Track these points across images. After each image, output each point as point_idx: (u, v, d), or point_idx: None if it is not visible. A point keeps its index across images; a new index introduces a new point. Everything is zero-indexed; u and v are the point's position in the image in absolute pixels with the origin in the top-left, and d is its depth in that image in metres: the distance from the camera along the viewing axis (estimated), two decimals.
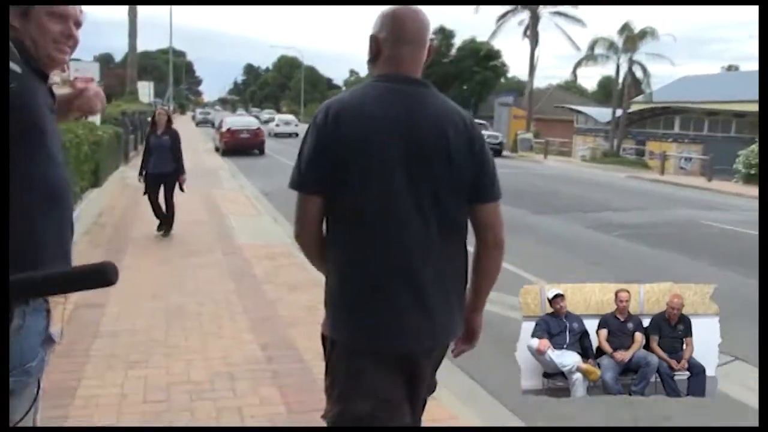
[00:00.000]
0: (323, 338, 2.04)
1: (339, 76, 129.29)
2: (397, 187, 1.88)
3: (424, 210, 1.90)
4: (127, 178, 14.36)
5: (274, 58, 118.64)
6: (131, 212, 10.21)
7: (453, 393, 3.80)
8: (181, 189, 8.56)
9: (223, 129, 25.52)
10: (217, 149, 26.03)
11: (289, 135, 39.75)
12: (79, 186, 8.68)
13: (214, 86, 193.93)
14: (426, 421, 2.21)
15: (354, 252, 1.92)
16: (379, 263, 1.89)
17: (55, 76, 2.27)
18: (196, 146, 26.90)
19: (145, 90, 42.39)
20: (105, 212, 10.17)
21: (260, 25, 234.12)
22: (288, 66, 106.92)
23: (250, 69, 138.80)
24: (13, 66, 1.68)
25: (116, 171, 13.56)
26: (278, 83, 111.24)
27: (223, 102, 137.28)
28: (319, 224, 1.98)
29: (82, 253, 7.19)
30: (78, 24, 1.89)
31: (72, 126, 8.26)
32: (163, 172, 8.34)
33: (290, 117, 47.37)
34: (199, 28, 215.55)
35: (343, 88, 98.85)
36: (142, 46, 48.19)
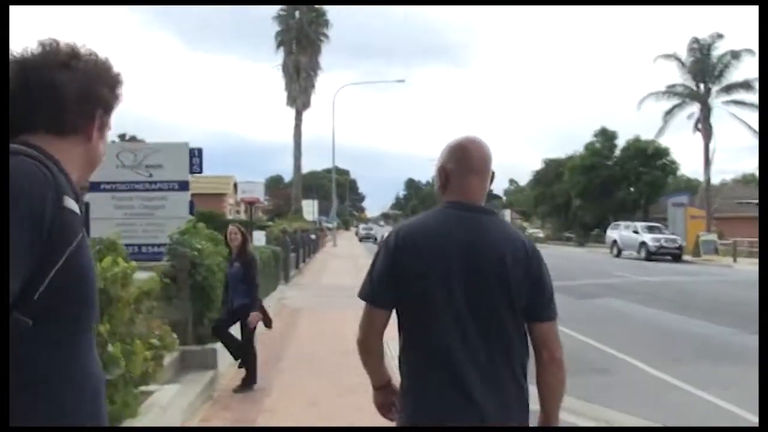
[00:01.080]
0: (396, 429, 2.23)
1: (498, 186, 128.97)
2: (459, 306, 2.05)
3: (482, 323, 2.06)
4: (284, 299, 14.06)
5: (433, 171, 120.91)
6: (287, 336, 9.61)
7: None
8: (266, 326, 7.21)
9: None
10: None
11: None
12: None
13: (376, 202, 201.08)
14: None
15: (420, 363, 2.12)
16: (439, 376, 2.06)
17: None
18: (358, 262, 26.81)
19: (310, 208, 44.07)
20: (259, 338, 9.63)
21: (419, 142, 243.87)
22: None
23: (410, 183, 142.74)
24: (72, 204, 1.32)
25: (274, 292, 13.26)
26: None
27: (385, 217, 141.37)
28: (380, 334, 2.20)
29: (228, 386, 6.67)
30: None
31: (219, 250, 7.91)
32: (236, 308, 6.78)
33: None
34: (362, 147, 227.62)
35: (504, 198, 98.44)
36: (308, 167, 51.27)
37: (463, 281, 2.04)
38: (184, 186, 10.07)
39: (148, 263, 7.45)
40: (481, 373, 2.04)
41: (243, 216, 35.13)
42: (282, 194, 56.33)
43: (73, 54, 1.39)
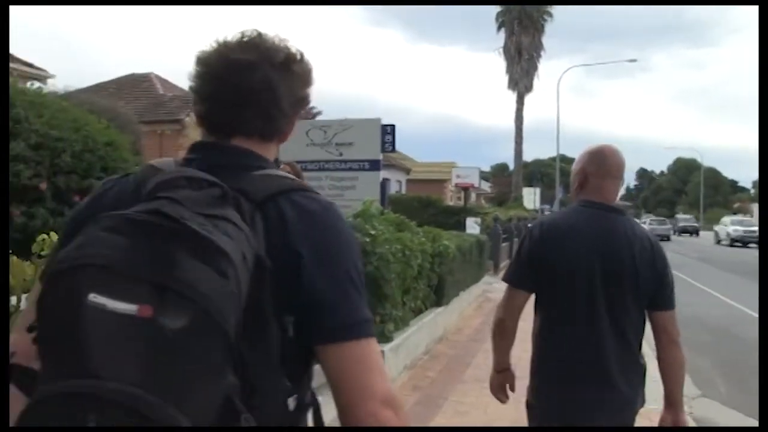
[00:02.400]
0: (527, 404, 2.49)
1: (745, 178, 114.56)
2: (594, 293, 2.32)
3: (614, 312, 2.32)
4: (489, 292, 12.78)
5: (670, 160, 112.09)
6: (481, 337, 8.34)
7: None
8: None
9: None
10: None
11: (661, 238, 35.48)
12: (409, 306, 7.18)
13: None
14: None
15: (557, 341, 2.38)
16: (574, 354, 2.32)
17: None
18: None
19: (531, 196, 42.23)
20: (448, 337, 8.54)
21: (652, 129, 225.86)
22: (684, 169, 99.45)
23: (643, 173, 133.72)
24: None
25: (474, 285, 12.02)
26: (674, 187, 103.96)
27: None
28: (518, 316, 2.47)
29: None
30: None
31: (403, 236, 6.89)
32: None
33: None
34: (589, 134, 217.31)
35: (752, 192, 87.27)
36: (533, 155, 49.29)
37: (600, 273, 2.31)
38: (375, 165, 9.25)
39: None
40: (619, 363, 2.31)
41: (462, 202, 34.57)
42: (506, 182, 54.89)
43: (290, 55, 1.26)
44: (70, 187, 10.42)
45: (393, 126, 9.48)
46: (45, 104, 10.87)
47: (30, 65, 17.00)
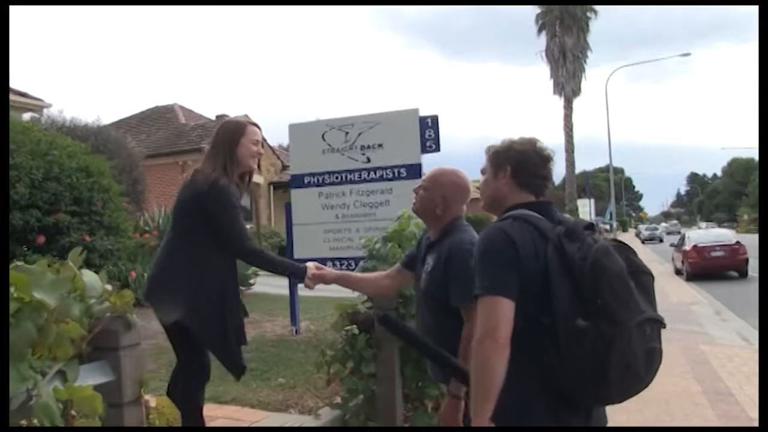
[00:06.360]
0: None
1: None
2: None
3: None
4: None
5: (724, 162, 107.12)
6: None
7: None
8: None
9: (687, 247, 20.00)
10: (678, 272, 20.70)
11: None
12: None
13: (654, 200, 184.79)
14: None
15: None
16: None
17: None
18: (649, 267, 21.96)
19: (585, 208, 39.33)
20: None
21: (702, 131, 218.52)
22: (742, 169, 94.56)
23: (694, 178, 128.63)
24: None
25: None
26: (731, 190, 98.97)
27: (666, 216, 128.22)
28: None
29: None
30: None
31: None
32: None
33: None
34: (636, 142, 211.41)
35: None
36: (578, 167, 46.40)
37: None
38: (414, 171, 6.87)
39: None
40: None
41: None
42: (552, 196, 51.87)
43: None
44: (29, 224, 8.41)
45: (436, 117, 7.10)
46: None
47: (24, 94, 15.24)
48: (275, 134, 52.54)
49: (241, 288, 11.74)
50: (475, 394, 1.85)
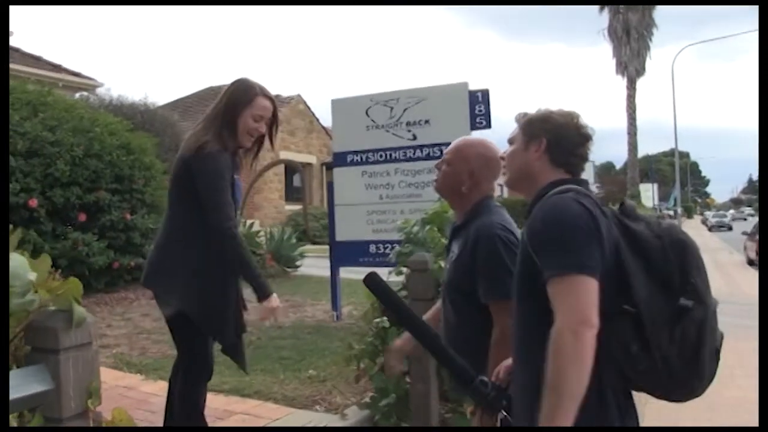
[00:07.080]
0: None
1: None
2: None
3: None
4: None
5: None
6: None
7: None
8: None
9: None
10: (751, 263, 19.63)
11: None
12: None
13: (722, 186, 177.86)
14: None
15: None
16: None
17: None
18: (717, 257, 20.89)
19: (648, 193, 37.90)
20: None
21: None
22: None
23: None
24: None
25: None
26: None
27: (736, 202, 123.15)
28: None
29: None
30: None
31: None
32: None
33: None
34: (703, 126, 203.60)
35: None
36: (641, 151, 44.84)
37: None
38: None
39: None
40: None
41: None
42: (613, 181, 50.33)
43: None
44: (69, 202, 8.29)
45: (486, 92, 6.58)
46: (47, 103, 8.77)
47: (77, 74, 15.32)
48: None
49: (287, 270, 11.56)
50: (563, 391, 1.55)
